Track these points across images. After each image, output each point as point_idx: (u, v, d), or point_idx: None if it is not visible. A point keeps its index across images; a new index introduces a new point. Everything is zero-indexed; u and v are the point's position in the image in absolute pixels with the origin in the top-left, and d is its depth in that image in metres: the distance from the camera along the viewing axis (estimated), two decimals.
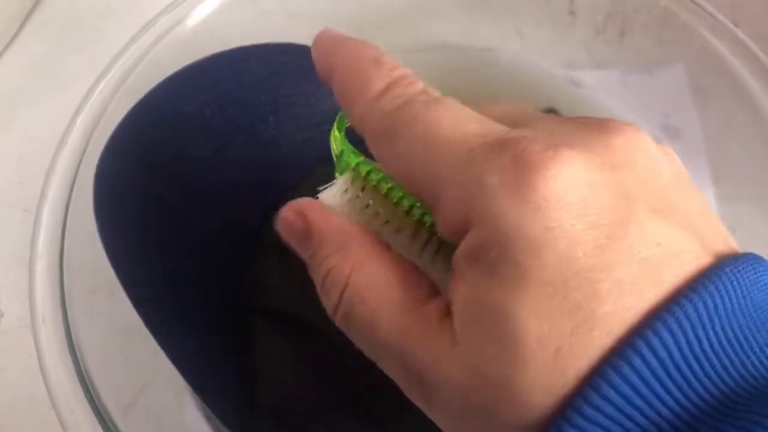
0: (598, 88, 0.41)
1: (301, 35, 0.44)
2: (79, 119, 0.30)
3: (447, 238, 0.16)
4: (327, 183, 0.25)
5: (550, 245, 0.14)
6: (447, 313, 0.16)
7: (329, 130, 0.26)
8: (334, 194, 0.19)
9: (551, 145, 0.15)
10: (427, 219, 0.18)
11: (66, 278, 0.28)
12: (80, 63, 0.50)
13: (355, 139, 0.19)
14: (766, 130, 0.34)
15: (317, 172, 0.28)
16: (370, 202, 0.19)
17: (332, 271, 0.17)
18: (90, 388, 0.26)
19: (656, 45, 0.40)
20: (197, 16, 0.38)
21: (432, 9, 0.44)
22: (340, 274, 0.17)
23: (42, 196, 0.28)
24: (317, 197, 0.19)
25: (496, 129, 0.16)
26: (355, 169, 0.19)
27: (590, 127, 0.16)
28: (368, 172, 0.19)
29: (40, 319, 0.26)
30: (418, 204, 0.18)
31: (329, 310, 0.18)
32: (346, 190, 0.19)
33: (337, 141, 0.20)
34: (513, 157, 0.14)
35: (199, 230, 0.27)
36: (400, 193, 0.18)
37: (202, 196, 0.27)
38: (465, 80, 0.41)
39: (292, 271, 0.25)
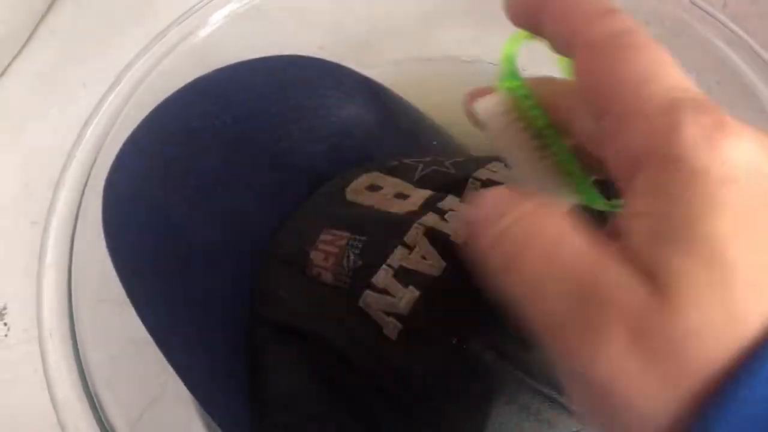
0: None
1: (311, 45, 0.44)
2: (89, 131, 0.30)
3: (607, 163, 0.17)
4: (337, 194, 0.25)
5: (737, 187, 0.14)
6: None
7: (338, 143, 0.26)
8: (492, 103, 0.20)
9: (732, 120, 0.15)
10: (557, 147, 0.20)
11: (74, 291, 0.28)
12: (89, 74, 0.50)
13: None
14: None
15: (327, 184, 0.27)
16: (518, 116, 0.20)
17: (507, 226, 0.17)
18: (96, 403, 0.25)
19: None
20: (208, 27, 0.38)
21: (441, 18, 0.44)
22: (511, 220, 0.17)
23: (51, 209, 0.28)
24: (477, 102, 0.20)
25: (695, 89, 0.16)
26: (511, 89, 0.20)
27: None
28: (520, 96, 0.20)
29: (47, 332, 0.26)
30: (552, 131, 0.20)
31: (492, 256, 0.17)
32: (503, 103, 0.20)
33: (506, 58, 0.20)
34: (714, 120, 0.15)
35: (208, 245, 0.27)
36: (541, 120, 0.20)
37: (211, 211, 0.27)
38: None
39: (303, 285, 0.25)
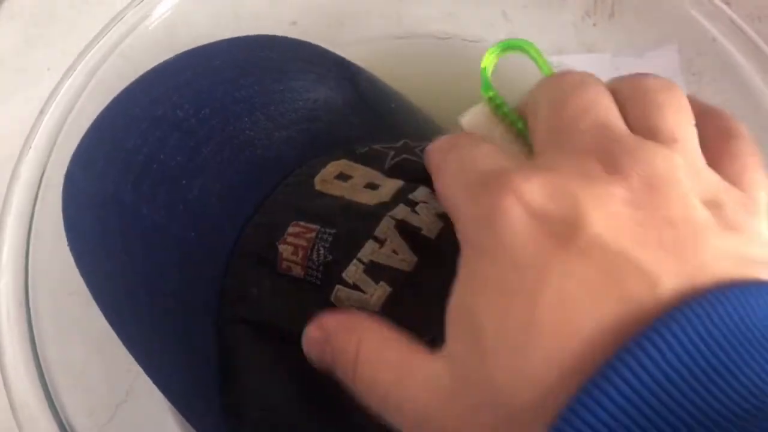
0: (588, 72, 0.40)
1: (281, 20, 0.42)
2: (44, 120, 0.29)
3: None
4: (305, 184, 0.26)
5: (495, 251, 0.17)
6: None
7: (306, 129, 0.26)
8: (475, 113, 0.23)
9: (527, 179, 0.17)
10: None
11: (31, 292, 0.27)
12: (53, 56, 0.48)
13: None
14: (759, 111, 0.33)
15: (295, 173, 0.26)
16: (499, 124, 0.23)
17: (343, 347, 0.20)
18: (59, 410, 0.25)
19: (647, 26, 0.38)
20: (172, 3, 0.36)
21: None
22: (348, 345, 0.20)
23: (6, 201, 0.27)
24: (463, 119, 0.23)
25: (502, 166, 0.19)
26: (490, 98, 0.23)
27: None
28: (497, 105, 0.23)
29: (5, 338, 0.25)
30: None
31: (347, 379, 0.20)
32: (485, 110, 0.23)
33: (483, 70, 0.23)
34: (495, 192, 0.18)
35: (174, 238, 0.26)
36: (520, 122, 0.22)
37: (176, 202, 0.26)
38: (448, 70, 0.40)
39: (274, 281, 0.24)
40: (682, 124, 0.19)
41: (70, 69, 0.30)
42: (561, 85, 0.20)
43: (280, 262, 0.24)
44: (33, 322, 0.27)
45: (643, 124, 0.19)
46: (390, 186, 0.25)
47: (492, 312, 0.16)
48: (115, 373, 0.31)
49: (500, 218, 0.17)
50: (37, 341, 0.26)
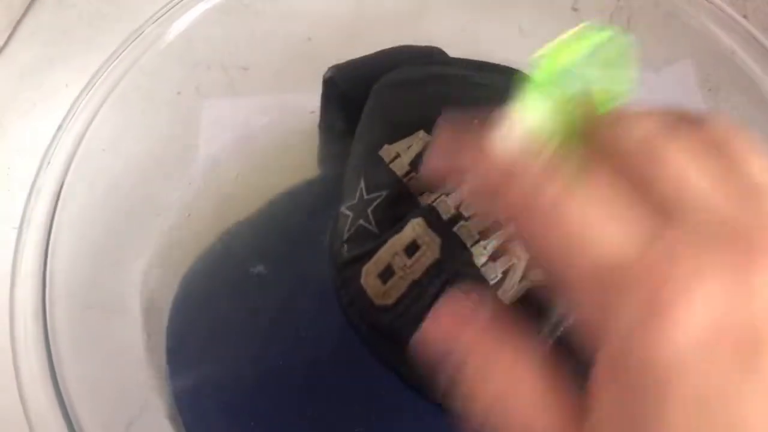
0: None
1: (297, 37, 0.43)
2: (62, 135, 0.29)
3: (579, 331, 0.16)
4: None
5: (679, 380, 0.14)
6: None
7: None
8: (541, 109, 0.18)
9: (686, 279, 0.14)
10: None
11: (48, 306, 0.27)
12: (71, 73, 0.48)
13: None
14: None
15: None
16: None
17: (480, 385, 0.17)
18: (74, 424, 0.24)
19: (663, 41, 0.38)
20: (188, 21, 0.37)
21: (430, 7, 0.43)
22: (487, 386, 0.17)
23: (25, 215, 0.27)
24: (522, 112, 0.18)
25: (630, 246, 0.15)
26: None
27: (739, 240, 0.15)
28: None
29: (21, 343, 0.25)
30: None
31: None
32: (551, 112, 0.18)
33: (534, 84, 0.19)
34: (647, 299, 0.14)
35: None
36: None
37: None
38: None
39: None
40: None
41: (89, 84, 0.31)
42: (646, 133, 0.17)
43: None
44: (50, 336, 0.27)
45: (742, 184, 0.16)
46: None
47: None
48: (130, 388, 0.31)
49: (673, 330, 0.14)
50: (53, 355, 0.26)
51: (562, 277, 0.16)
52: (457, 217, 0.26)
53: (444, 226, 0.26)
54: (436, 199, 0.26)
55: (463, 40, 0.41)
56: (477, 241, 0.25)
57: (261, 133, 0.40)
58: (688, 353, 0.14)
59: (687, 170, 0.16)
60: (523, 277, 0.25)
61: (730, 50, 0.35)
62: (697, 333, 0.14)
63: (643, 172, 0.16)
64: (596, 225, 0.16)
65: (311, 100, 0.37)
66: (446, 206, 0.26)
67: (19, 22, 0.51)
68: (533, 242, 0.17)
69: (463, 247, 0.25)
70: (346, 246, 0.28)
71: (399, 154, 0.28)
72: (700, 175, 0.16)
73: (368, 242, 0.27)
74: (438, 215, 0.26)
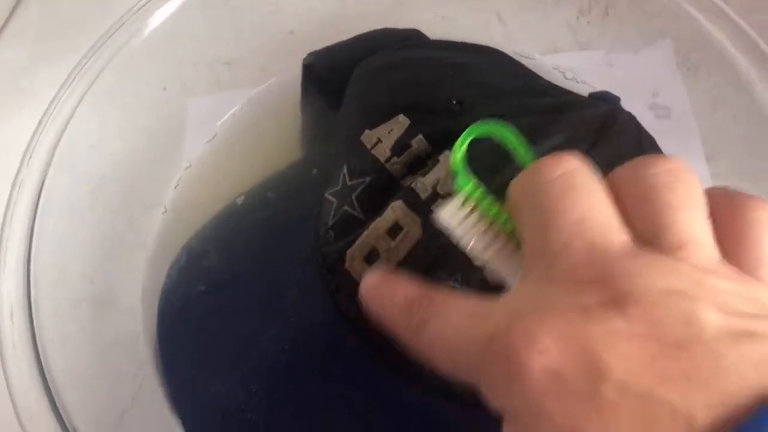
0: (583, 70, 0.40)
1: (280, 30, 0.43)
2: (43, 129, 0.29)
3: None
4: None
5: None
6: None
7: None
8: (453, 206, 0.22)
9: (534, 333, 0.16)
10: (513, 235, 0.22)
11: (35, 301, 0.27)
12: (56, 74, 0.48)
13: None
14: (755, 104, 0.33)
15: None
16: (478, 213, 0.22)
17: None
18: (64, 417, 0.25)
19: (642, 22, 0.39)
20: (168, 15, 0.37)
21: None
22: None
23: (6, 213, 0.28)
24: (436, 210, 0.22)
25: (492, 322, 0.18)
26: (468, 192, 0.22)
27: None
28: (477, 198, 0.22)
29: (9, 345, 0.26)
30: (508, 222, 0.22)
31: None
32: (462, 203, 0.22)
33: (456, 161, 0.23)
34: (504, 355, 0.17)
35: None
36: (501, 217, 0.22)
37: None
38: None
39: None
40: (691, 222, 0.18)
41: (68, 78, 0.31)
42: (547, 187, 0.19)
43: None
44: (36, 330, 0.27)
45: (648, 227, 0.18)
46: None
47: None
48: (122, 381, 0.32)
49: (527, 386, 0.16)
50: (40, 348, 0.27)
51: (448, 372, 0.19)
52: (435, 196, 0.26)
53: (423, 206, 0.26)
54: (414, 181, 0.27)
55: (443, 29, 0.42)
56: None
57: (246, 126, 0.40)
58: (544, 402, 0.16)
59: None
60: None
61: (707, 31, 0.35)
62: (544, 384, 0.16)
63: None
64: (464, 327, 0.19)
65: (296, 91, 0.38)
66: (423, 186, 0.26)
67: (4, 24, 0.51)
68: (427, 353, 0.20)
69: None
70: (331, 232, 0.29)
71: (380, 139, 0.29)
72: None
73: (353, 228, 0.28)
74: (416, 195, 0.26)
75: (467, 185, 0.22)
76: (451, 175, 0.23)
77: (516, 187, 0.21)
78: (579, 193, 0.19)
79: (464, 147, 0.22)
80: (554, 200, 0.19)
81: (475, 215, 0.22)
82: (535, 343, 0.16)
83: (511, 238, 0.22)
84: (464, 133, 0.23)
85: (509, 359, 0.16)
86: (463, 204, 0.22)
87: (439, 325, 0.20)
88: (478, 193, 0.22)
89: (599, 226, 0.18)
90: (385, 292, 0.22)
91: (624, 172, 0.20)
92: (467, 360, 0.18)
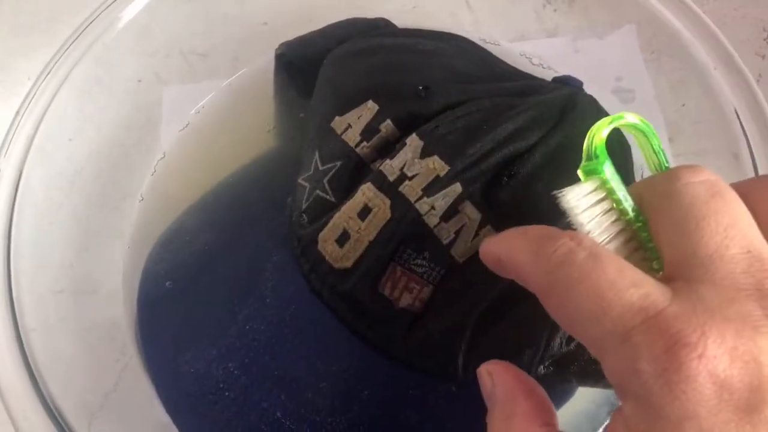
0: (550, 56, 0.41)
1: (252, 21, 0.43)
2: (21, 120, 0.30)
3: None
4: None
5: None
6: None
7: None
8: (581, 190, 0.21)
9: (702, 335, 0.16)
10: (644, 236, 0.21)
11: (16, 291, 0.27)
12: (33, 67, 0.49)
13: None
14: (712, 88, 0.34)
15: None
16: (605, 205, 0.21)
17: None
18: (49, 400, 0.25)
19: (607, 9, 0.40)
20: (140, 9, 0.37)
21: None
22: None
23: None
24: (563, 195, 0.21)
25: (651, 302, 0.17)
26: (602, 180, 0.21)
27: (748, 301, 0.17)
28: (608, 189, 0.21)
29: None
30: (641, 223, 0.21)
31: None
32: (593, 190, 0.21)
33: (598, 144, 0.21)
34: (665, 348, 0.16)
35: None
36: (627, 214, 0.21)
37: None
38: None
39: None
40: None
41: (45, 70, 0.31)
42: (692, 190, 0.19)
43: None
44: (18, 320, 0.28)
45: None
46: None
47: None
48: (104, 365, 0.32)
49: (685, 386, 0.16)
50: (23, 337, 0.27)
51: (586, 334, 0.18)
52: (402, 178, 0.27)
53: (391, 187, 0.27)
54: (382, 164, 0.28)
55: (413, 18, 0.42)
56: (420, 197, 0.26)
57: (220, 115, 0.41)
58: (697, 404, 0.16)
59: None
60: (475, 236, 0.26)
61: (666, 17, 0.36)
62: (705, 389, 0.16)
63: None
64: (621, 288, 0.17)
65: (269, 81, 0.39)
66: (391, 168, 0.27)
67: None
68: (560, 304, 0.19)
69: (410, 204, 0.27)
70: (304, 216, 0.30)
71: (350, 125, 0.29)
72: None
73: (326, 211, 0.29)
74: (385, 177, 0.27)
75: (602, 173, 0.21)
76: (587, 156, 0.22)
77: (648, 188, 0.21)
78: (725, 199, 0.19)
79: (608, 131, 0.22)
80: (702, 203, 0.19)
81: (602, 205, 0.21)
82: (705, 348, 0.16)
83: (633, 238, 0.21)
84: (611, 117, 0.22)
85: (672, 355, 0.16)
86: (594, 190, 0.21)
87: (587, 271, 0.18)
88: (610, 185, 0.21)
89: (750, 232, 0.18)
90: (516, 233, 0.21)
91: (760, 183, 0.20)
92: (611, 321, 0.17)
